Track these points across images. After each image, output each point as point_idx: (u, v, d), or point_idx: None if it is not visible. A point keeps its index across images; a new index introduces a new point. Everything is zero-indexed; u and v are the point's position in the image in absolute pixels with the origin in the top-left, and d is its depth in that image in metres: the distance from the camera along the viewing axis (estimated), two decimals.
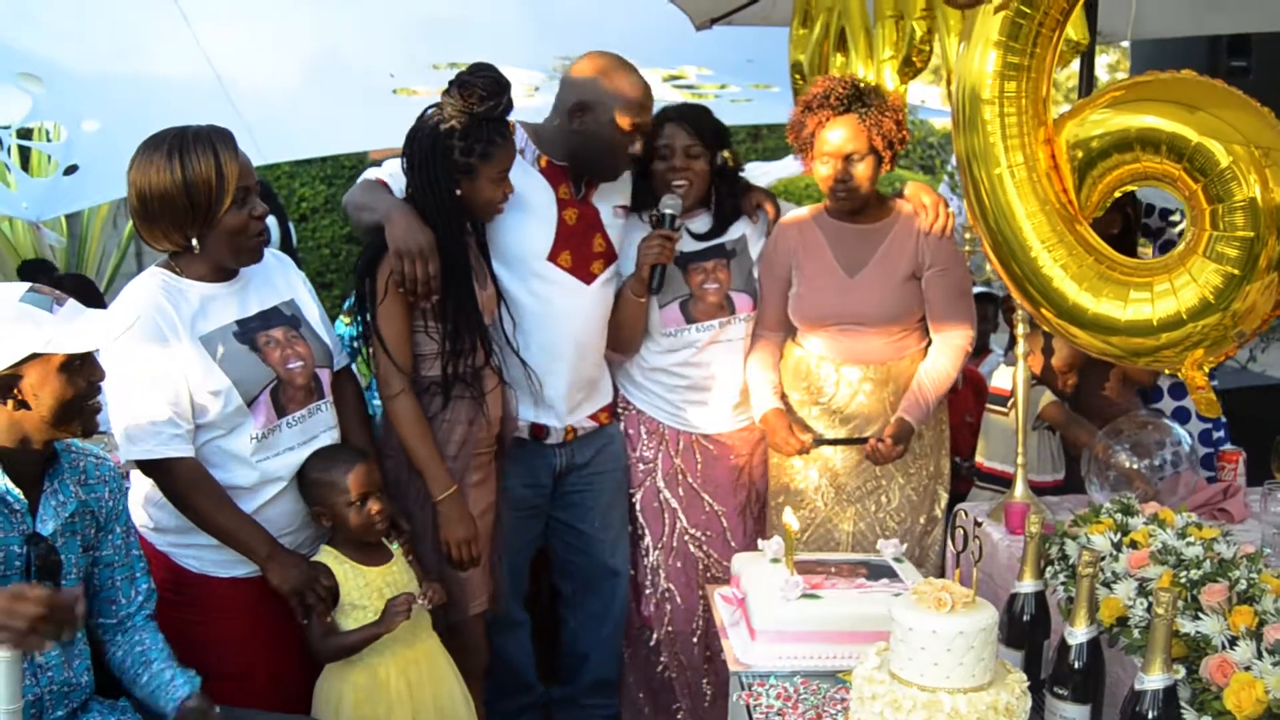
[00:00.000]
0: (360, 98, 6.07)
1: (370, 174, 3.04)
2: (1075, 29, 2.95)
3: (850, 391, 3.27)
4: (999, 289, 4.64)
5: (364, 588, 2.68)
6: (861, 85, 3.17)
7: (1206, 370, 2.27)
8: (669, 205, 3.20)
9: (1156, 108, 2.25)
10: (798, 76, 3.84)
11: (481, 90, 2.82)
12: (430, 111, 2.88)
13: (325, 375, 2.74)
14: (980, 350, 4.76)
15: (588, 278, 3.19)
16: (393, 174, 3.02)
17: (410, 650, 2.76)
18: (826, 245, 3.29)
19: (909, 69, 3.42)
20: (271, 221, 7.23)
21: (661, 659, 3.44)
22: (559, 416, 3.23)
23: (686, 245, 3.33)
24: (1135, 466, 2.93)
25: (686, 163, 3.25)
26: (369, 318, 2.84)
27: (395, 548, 2.80)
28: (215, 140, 2.52)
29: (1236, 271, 2.16)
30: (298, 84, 5.98)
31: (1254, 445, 3.43)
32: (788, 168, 6.95)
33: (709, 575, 3.40)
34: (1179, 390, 3.73)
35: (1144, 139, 2.27)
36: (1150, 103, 2.27)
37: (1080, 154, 2.38)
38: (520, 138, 3.13)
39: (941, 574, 3.13)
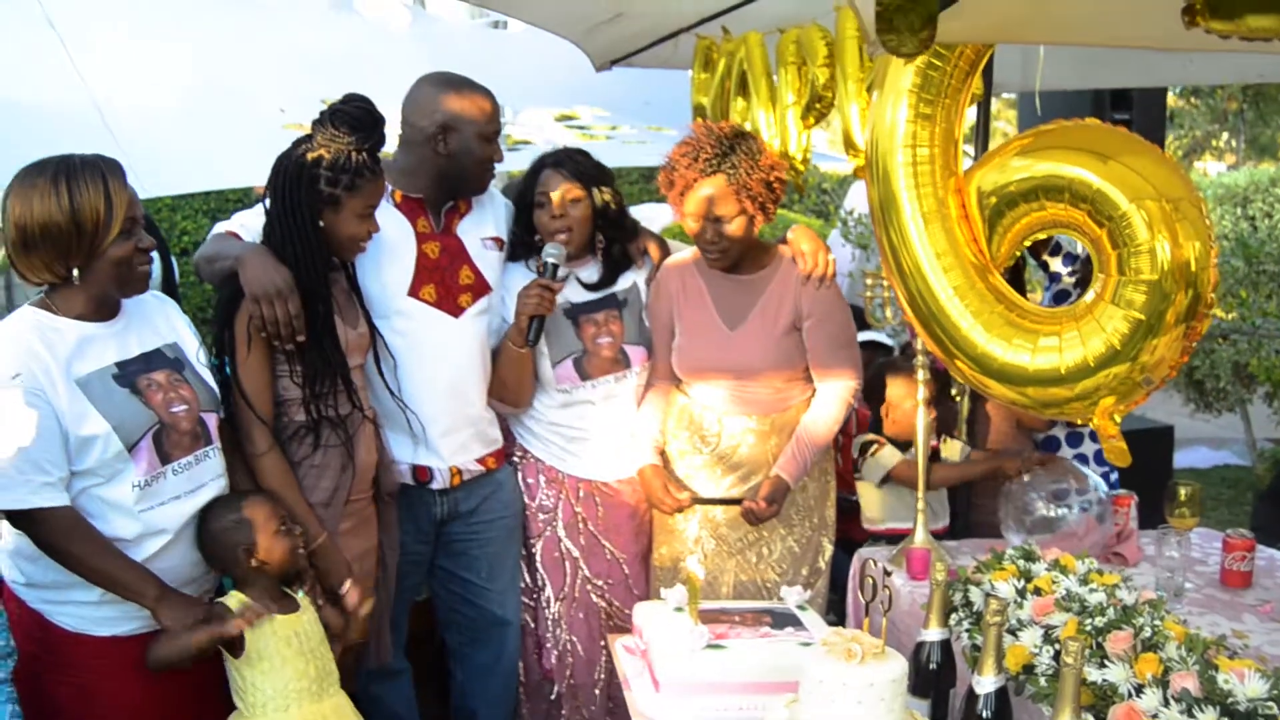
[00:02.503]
0: (248, 131, 5.92)
1: (219, 227, 2.94)
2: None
3: (735, 442, 3.22)
4: (888, 335, 4.68)
5: (270, 636, 2.54)
6: (734, 141, 3.07)
7: (1119, 419, 2.29)
8: (551, 254, 3.12)
9: (1068, 155, 2.28)
10: (700, 119, 3.84)
11: (354, 120, 2.72)
12: (300, 140, 2.78)
13: (212, 420, 2.61)
14: None
15: (455, 310, 3.10)
16: (243, 225, 2.91)
17: (318, 705, 2.61)
18: (707, 295, 3.24)
19: (812, 115, 3.42)
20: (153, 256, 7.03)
21: (563, 712, 3.34)
22: (442, 458, 3.13)
23: (577, 296, 3.26)
24: (1052, 514, 2.95)
25: (565, 209, 3.17)
26: (230, 372, 2.71)
27: (301, 596, 2.68)
28: (104, 168, 2.40)
29: (1142, 317, 2.19)
30: (182, 116, 5.81)
31: (1137, 488, 3.51)
32: None
33: (611, 624, 3.33)
34: (1075, 439, 3.79)
35: (1048, 186, 2.30)
36: (1061, 150, 2.30)
37: (991, 203, 2.40)
38: None
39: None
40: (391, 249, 3.03)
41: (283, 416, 2.78)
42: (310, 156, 2.72)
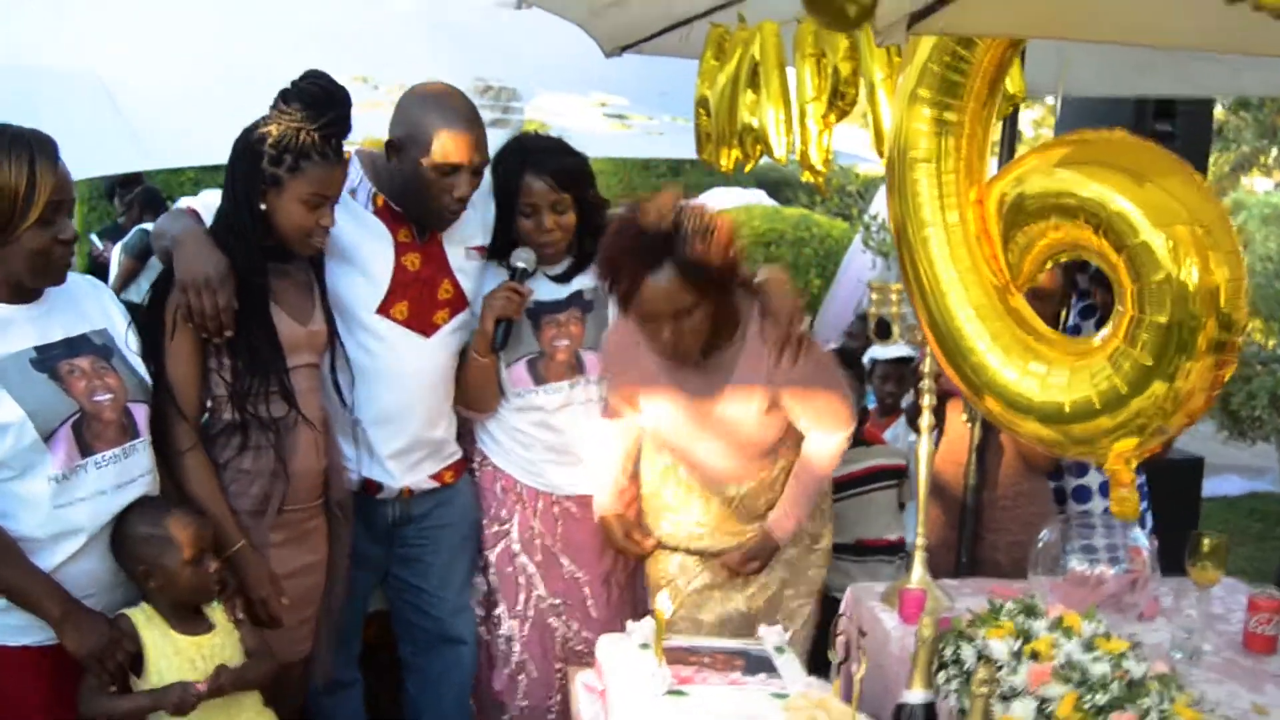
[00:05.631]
0: (258, 108, 5.80)
1: (183, 202, 2.76)
2: (1012, 82, 2.74)
3: (696, 517, 2.96)
4: (911, 348, 4.43)
5: (173, 657, 2.35)
6: (679, 221, 2.60)
7: (1134, 465, 2.03)
8: (522, 259, 2.91)
9: (1098, 173, 2.02)
10: (702, 112, 3.56)
11: (307, 98, 2.52)
12: (262, 119, 2.57)
13: (141, 412, 2.41)
14: (890, 411, 4.55)
15: (428, 329, 2.87)
16: (205, 204, 2.71)
17: None
18: (666, 377, 2.82)
19: (834, 112, 3.16)
20: None
21: None
22: (393, 476, 2.92)
23: (543, 293, 3.01)
24: (1089, 571, 2.69)
25: (555, 220, 2.92)
26: (155, 360, 2.51)
27: (218, 610, 2.48)
28: (34, 146, 2.20)
29: (1149, 362, 1.94)
30: (192, 90, 5.70)
31: (1161, 523, 3.23)
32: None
33: (569, 647, 3.11)
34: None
35: (1061, 206, 2.05)
36: (1091, 166, 2.04)
37: (1015, 205, 2.16)
38: (354, 172, 2.80)
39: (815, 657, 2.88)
40: (366, 259, 2.81)
41: (210, 413, 2.58)
42: (256, 133, 2.52)
